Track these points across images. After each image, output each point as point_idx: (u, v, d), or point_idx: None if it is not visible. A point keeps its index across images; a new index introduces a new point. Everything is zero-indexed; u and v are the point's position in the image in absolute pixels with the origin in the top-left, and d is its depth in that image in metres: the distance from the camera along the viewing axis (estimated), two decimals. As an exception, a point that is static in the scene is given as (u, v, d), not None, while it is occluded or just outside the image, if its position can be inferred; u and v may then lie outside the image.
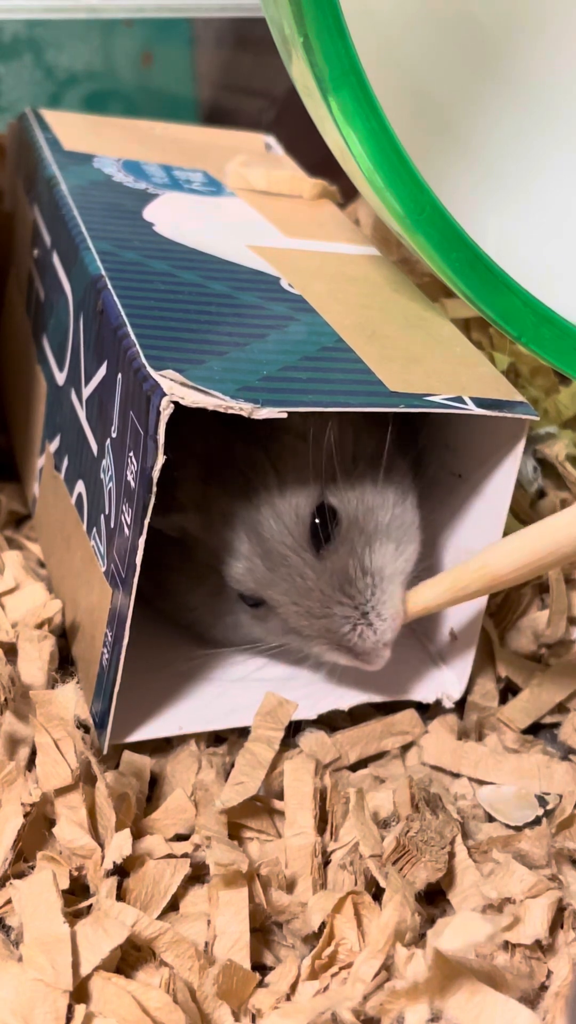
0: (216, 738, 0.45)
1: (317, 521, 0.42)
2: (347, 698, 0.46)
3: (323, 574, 0.42)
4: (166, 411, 0.36)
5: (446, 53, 0.55)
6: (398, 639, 0.49)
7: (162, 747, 0.45)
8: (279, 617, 0.44)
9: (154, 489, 0.37)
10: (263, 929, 0.39)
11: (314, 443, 0.42)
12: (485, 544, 0.44)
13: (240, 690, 0.46)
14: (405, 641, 0.50)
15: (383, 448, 0.43)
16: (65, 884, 0.38)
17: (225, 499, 0.43)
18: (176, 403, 0.36)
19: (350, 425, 0.43)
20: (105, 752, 0.43)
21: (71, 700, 0.41)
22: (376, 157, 0.41)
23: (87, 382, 0.44)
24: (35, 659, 0.44)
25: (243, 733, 0.44)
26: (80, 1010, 0.34)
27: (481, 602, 0.45)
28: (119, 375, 0.40)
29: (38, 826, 0.40)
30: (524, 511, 0.53)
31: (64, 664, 0.46)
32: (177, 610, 0.47)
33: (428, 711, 0.47)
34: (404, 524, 0.44)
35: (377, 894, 0.39)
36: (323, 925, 0.38)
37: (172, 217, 0.52)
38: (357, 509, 0.43)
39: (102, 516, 0.42)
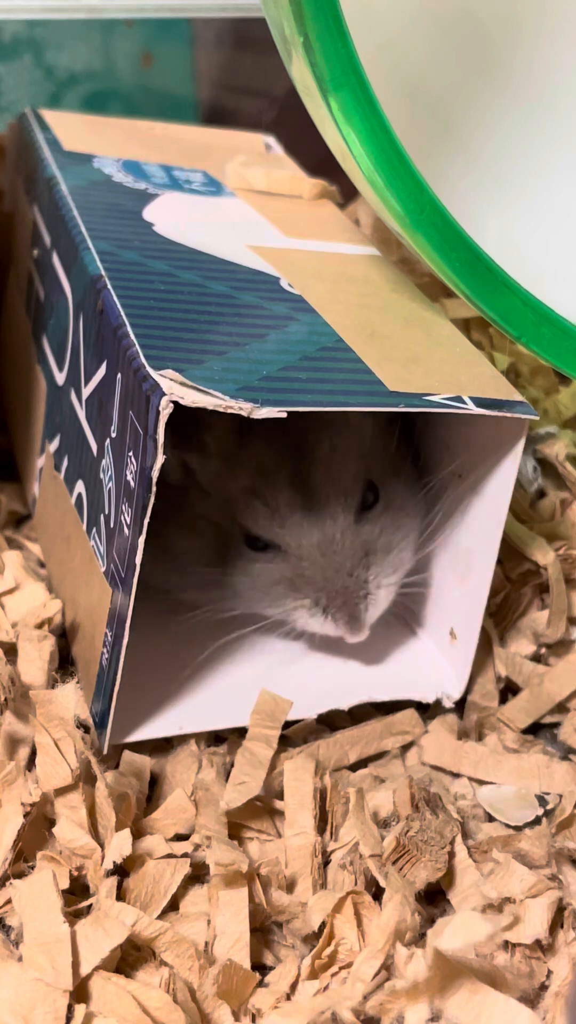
0: (216, 738, 0.45)
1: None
2: (347, 698, 0.46)
3: (357, 538, 0.45)
4: (166, 411, 0.36)
5: (446, 53, 0.55)
6: (398, 638, 0.49)
7: (162, 747, 0.45)
8: (282, 565, 0.45)
9: (154, 489, 0.37)
10: (263, 929, 0.39)
11: (358, 432, 0.46)
12: (484, 544, 0.44)
13: (240, 689, 0.46)
14: (405, 641, 0.50)
15: (401, 449, 0.47)
16: (65, 884, 0.38)
17: (263, 451, 0.45)
18: (176, 403, 0.36)
19: (381, 424, 0.47)
20: (105, 752, 0.43)
21: (71, 700, 0.41)
22: (376, 157, 0.41)
23: (87, 382, 0.44)
24: (35, 659, 0.44)
25: (243, 733, 0.44)
26: (80, 1010, 0.34)
27: (481, 602, 0.45)
28: (119, 375, 0.40)
29: (38, 826, 0.40)
30: (524, 511, 0.53)
31: (64, 664, 0.46)
32: (169, 573, 0.47)
33: (428, 711, 0.47)
34: (418, 527, 0.47)
35: (377, 894, 0.39)
36: (323, 925, 0.38)
37: (172, 217, 0.52)
38: (392, 496, 0.46)
39: (102, 516, 0.42)
